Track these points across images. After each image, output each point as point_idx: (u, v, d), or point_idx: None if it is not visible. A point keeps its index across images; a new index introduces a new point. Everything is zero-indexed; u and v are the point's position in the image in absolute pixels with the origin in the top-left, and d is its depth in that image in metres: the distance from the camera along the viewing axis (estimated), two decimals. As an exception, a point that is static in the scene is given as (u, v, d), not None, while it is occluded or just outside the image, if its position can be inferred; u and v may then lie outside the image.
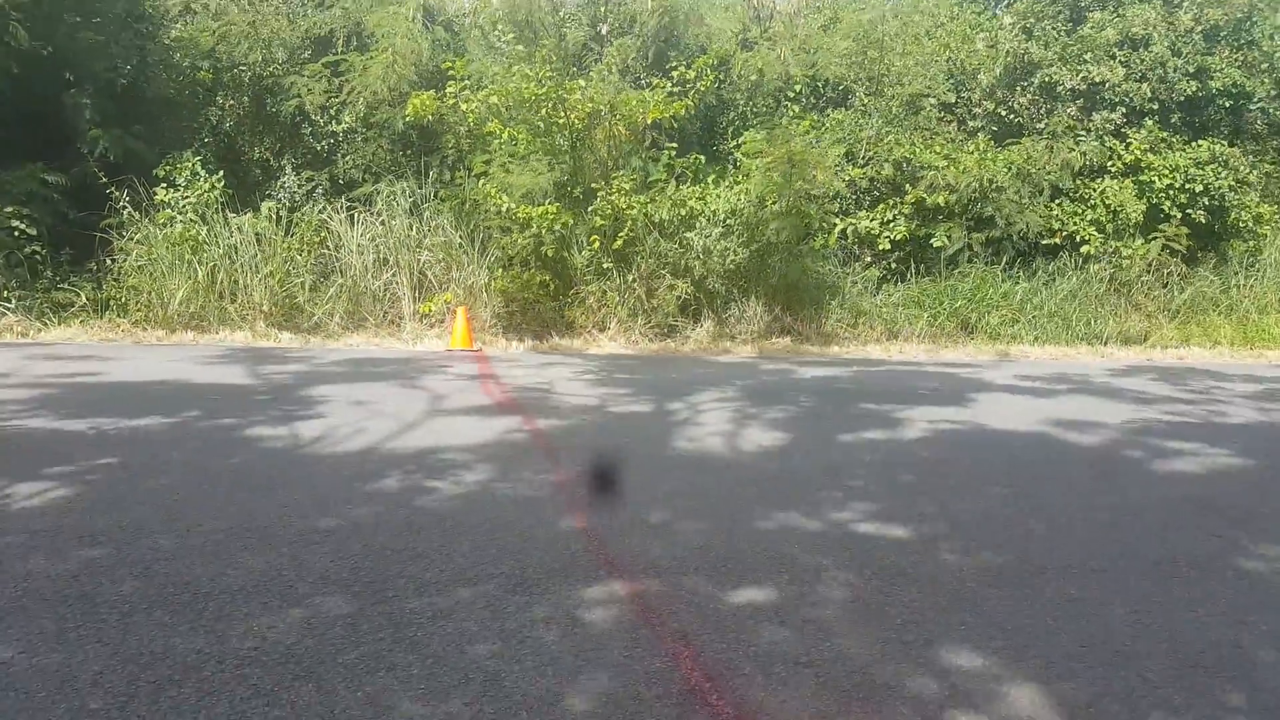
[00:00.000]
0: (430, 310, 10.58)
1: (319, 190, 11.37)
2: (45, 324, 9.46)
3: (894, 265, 12.22)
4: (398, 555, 3.26)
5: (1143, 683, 2.53)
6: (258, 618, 2.70)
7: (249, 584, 2.95)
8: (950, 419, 6.37)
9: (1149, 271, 12.47)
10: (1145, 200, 12.48)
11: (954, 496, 4.42)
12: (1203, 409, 7.27)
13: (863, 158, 12.28)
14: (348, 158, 11.67)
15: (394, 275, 10.72)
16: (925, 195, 11.83)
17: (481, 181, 10.73)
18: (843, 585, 3.16)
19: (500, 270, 10.64)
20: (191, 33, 11.65)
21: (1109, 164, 12.74)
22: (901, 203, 11.98)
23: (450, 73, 10.55)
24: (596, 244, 10.57)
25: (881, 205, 12.11)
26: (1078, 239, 12.46)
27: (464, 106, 10.42)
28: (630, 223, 10.50)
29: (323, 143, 11.83)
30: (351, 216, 10.78)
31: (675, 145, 11.44)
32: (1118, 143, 12.87)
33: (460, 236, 10.83)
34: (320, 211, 10.86)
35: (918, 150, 12.27)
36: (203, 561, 3.14)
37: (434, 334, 10.41)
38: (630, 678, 2.41)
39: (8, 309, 9.52)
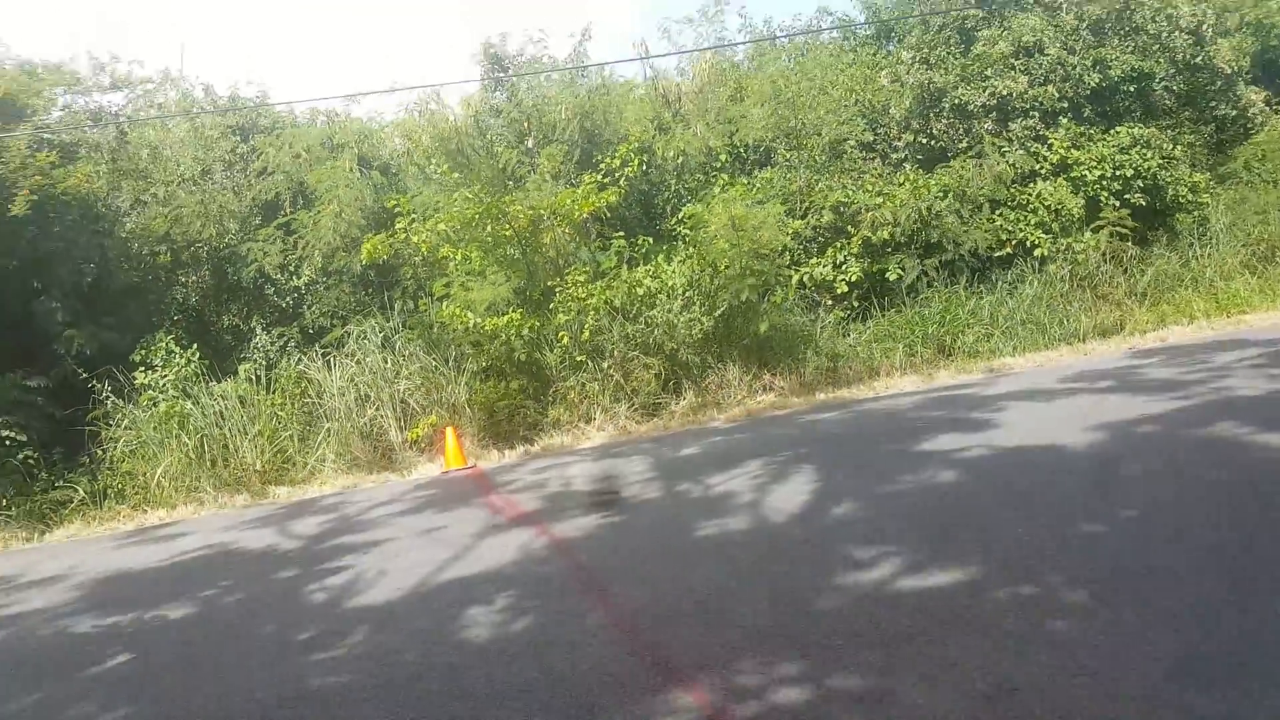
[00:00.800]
0: (418, 435, 10.80)
1: (291, 343, 11.70)
2: (48, 525, 9.58)
3: (856, 304, 12.62)
4: (447, 696, 3.38)
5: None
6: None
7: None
8: (974, 443, 6.49)
9: (1105, 261, 12.92)
10: (1082, 195, 13.03)
11: (1008, 525, 4.47)
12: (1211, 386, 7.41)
13: (800, 209, 12.80)
14: (313, 308, 12.07)
15: (377, 410, 10.96)
16: (870, 233, 12.32)
17: (444, 303, 11.11)
18: (908, 641, 3.21)
19: (478, 384, 10.92)
20: (145, 221, 12.12)
21: (1038, 167, 13.32)
22: (848, 244, 12.45)
23: (396, 210, 11.04)
24: (565, 339, 10.91)
25: (830, 249, 12.58)
26: (1028, 244, 12.94)
27: (415, 239, 10.87)
28: (593, 312, 10.87)
29: (287, 299, 12.24)
30: (327, 362, 11.09)
31: (621, 233, 11.92)
32: (1040, 146, 13.49)
33: (434, 359, 11.13)
34: (297, 363, 11.17)
35: (850, 192, 12.81)
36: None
37: (425, 458, 10.60)
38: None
39: (10, 517, 9.66)
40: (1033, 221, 13.11)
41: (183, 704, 3.67)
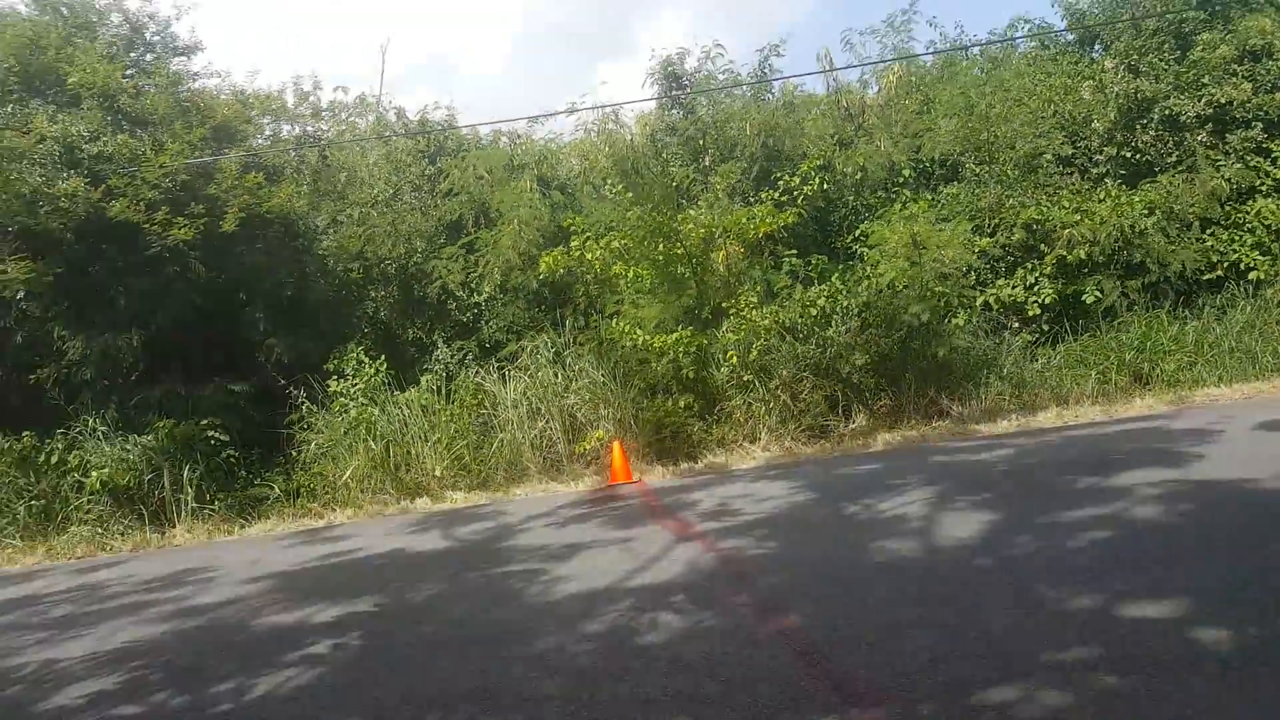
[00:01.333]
0: (585, 449, 10.90)
1: (470, 356, 12.15)
2: (246, 520, 10.26)
3: (1046, 328, 11.80)
4: (618, 702, 3.32)
5: None
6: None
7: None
8: (1172, 478, 5.99)
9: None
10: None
11: (1203, 563, 4.12)
12: None
13: (989, 227, 12.12)
14: (490, 323, 12.50)
15: (547, 422, 11.17)
16: (1065, 252, 11.51)
17: (615, 320, 11.21)
18: (1099, 685, 2.99)
19: (645, 400, 10.94)
20: (340, 240, 12.93)
21: (1259, 183, 12.08)
22: (1040, 264, 11.67)
23: (572, 229, 11.28)
24: (734, 359, 10.77)
25: (1021, 270, 11.83)
26: (1242, 266, 11.73)
27: (589, 256, 11.04)
28: (764, 333, 10.67)
29: (467, 314, 12.76)
30: (502, 375, 11.42)
31: (794, 251, 11.66)
32: (1263, 160, 12.22)
33: (602, 375, 11.24)
34: (474, 375, 11.56)
35: (1044, 209, 12.02)
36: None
37: (591, 471, 10.69)
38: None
39: (213, 510, 10.42)
40: (1249, 242, 11.87)
41: (372, 692, 3.74)
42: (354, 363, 11.62)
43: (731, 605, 4.38)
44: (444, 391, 11.32)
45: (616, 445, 10.08)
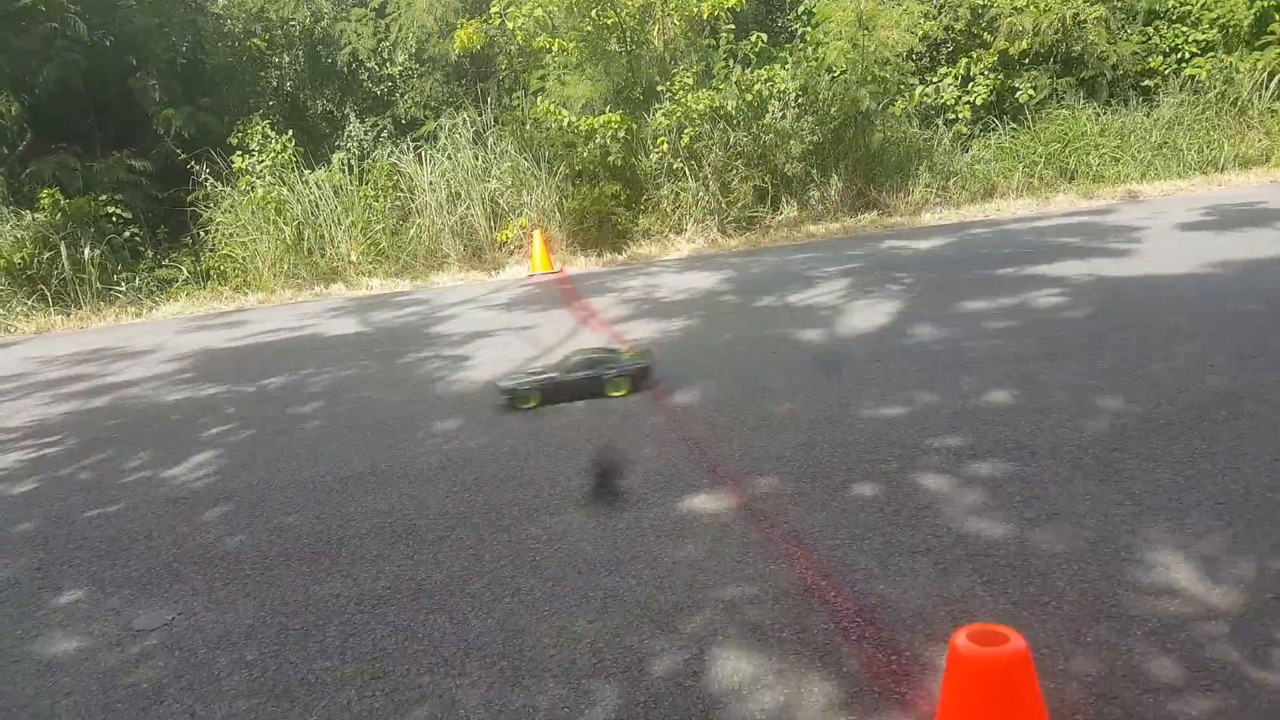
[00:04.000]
0: (507, 238, 10.62)
1: (384, 134, 11.43)
2: (155, 301, 9.90)
3: (981, 116, 11.53)
4: (508, 484, 3.34)
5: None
6: (387, 558, 2.82)
7: (375, 526, 3.08)
8: (1073, 273, 6.08)
9: (1266, 86, 11.38)
10: (1255, 7, 11.31)
11: (1086, 356, 4.21)
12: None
13: (936, 7, 11.47)
14: (406, 97, 11.67)
15: (468, 208, 10.76)
16: (1006, 43, 11.03)
17: (539, 99, 10.55)
18: (956, 465, 3.07)
19: (569, 187, 10.55)
20: (238, -2, 11.68)
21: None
22: (981, 58, 11.19)
23: (492, -8, 10.31)
24: (664, 145, 10.33)
25: (964, 59, 11.35)
26: (1182, 59, 11.44)
27: (510, 25, 10.19)
28: (697, 118, 10.19)
29: (381, 86, 11.84)
30: (419, 156, 10.82)
31: (733, 28, 10.93)
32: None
33: (526, 159, 10.74)
34: (389, 155, 10.93)
35: (993, -8, 11.38)
36: (330, 509, 3.28)
37: (514, 261, 10.47)
38: (746, 583, 2.42)
39: (120, 293, 10.01)
40: (1192, 39, 11.52)
41: (259, 474, 3.70)
42: (259, 137, 10.85)
43: (629, 396, 4.38)
44: (358, 172, 10.73)
45: (538, 234, 9.80)
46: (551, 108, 10.25)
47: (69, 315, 9.68)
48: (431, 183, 10.61)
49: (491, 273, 10.11)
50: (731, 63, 10.68)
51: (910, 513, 2.73)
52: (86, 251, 10.07)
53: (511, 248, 10.70)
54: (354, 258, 10.29)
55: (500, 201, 10.78)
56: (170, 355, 6.83)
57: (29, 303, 9.89)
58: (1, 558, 3.18)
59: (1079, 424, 3.33)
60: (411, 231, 10.49)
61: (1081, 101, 11.37)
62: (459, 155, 10.77)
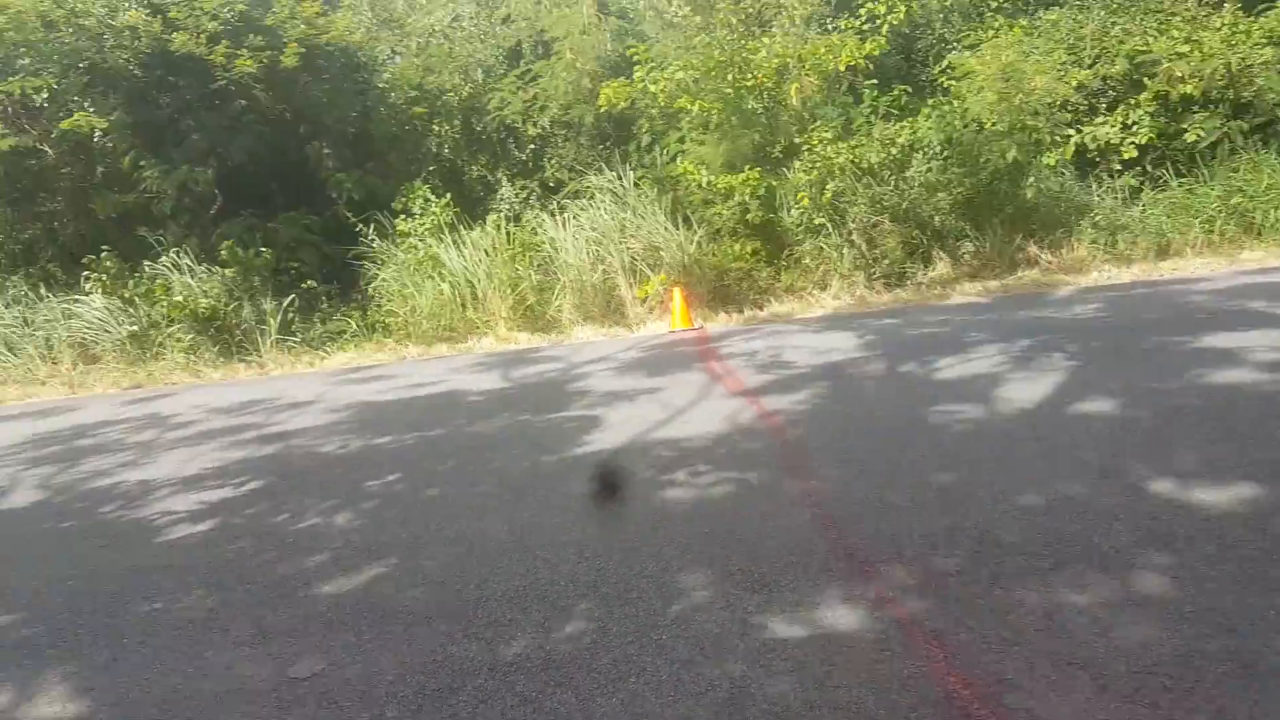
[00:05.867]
0: (646, 294, 10.83)
1: (533, 196, 11.97)
2: (327, 351, 10.66)
3: (1148, 169, 10.87)
4: (638, 554, 3.38)
5: None
6: (519, 624, 2.91)
7: (510, 590, 3.18)
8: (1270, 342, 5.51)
9: None
10: None
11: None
12: None
13: (1088, 58, 10.99)
14: (551, 160, 12.20)
15: (609, 265, 11.06)
16: (1167, 88, 10.40)
17: (678, 159, 10.80)
18: (1121, 565, 2.87)
19: (709, 244, 10.69)
20: (401, 70, 12.59)
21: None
22: (1140, 103, 10.60)
23: (635, 58, 10.68)
24: (805, 200, 10.32)
25: (1122, 107, 10.79)
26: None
27: (653, 88, 10.51)
28: (839, 171, 10.15)
29: (527, 150, 12.45)
30: (563, 216, 11.26)
31: (874, 82, 10.86)
32: None
33: (665, 217, 10.98)
34: (536, 216, 11.44)
35: (1151, 39, 10.78)
36: (470, 569, 3.42)
37: (653, 316, 10.65)
38: (881, 688, 2.34)
39: (295, 342, 10.85)
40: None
41: (411, 528, 3.91)
42: (420, 201, 11.60)
43: (761, 460, 4.35)
44: (508, 231, 11.26)
45: (678, 292, 9.94)
46: (690, 167, 10.48)
47: (249, 363, 10.54)
48: (575, 242, 10.99)
49: (632, 328, 10.32)
50: (873, 117, 10.60)
51: (1066, 618, 2.57)
52: (267, 304, 10.97)
53: (651, 304, 10.90)
54: (502, 313, 10.76)
55: (640, 259, 11.03)
56: (331, 406, 7.31)
57: (215, 350, 10.85)
58: (179, 597, 3.47)
59: (1270, 522, 3.01)
60: (556, 288, 10.87)
61: (1260, 150, 10.53)
62: (600, 214, 11.13)
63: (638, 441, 4.97)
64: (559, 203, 11.55)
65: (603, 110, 11.19)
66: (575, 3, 11.72)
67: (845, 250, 10.45)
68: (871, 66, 10.76)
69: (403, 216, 11.58)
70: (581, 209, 11.24)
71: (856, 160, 10.17)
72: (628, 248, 10.93)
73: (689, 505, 3.86)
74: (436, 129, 12.91)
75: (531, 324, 10.74)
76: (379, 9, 13.03)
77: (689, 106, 10.60)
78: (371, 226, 11.44)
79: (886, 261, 10.38)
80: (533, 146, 12.46)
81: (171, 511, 4.63)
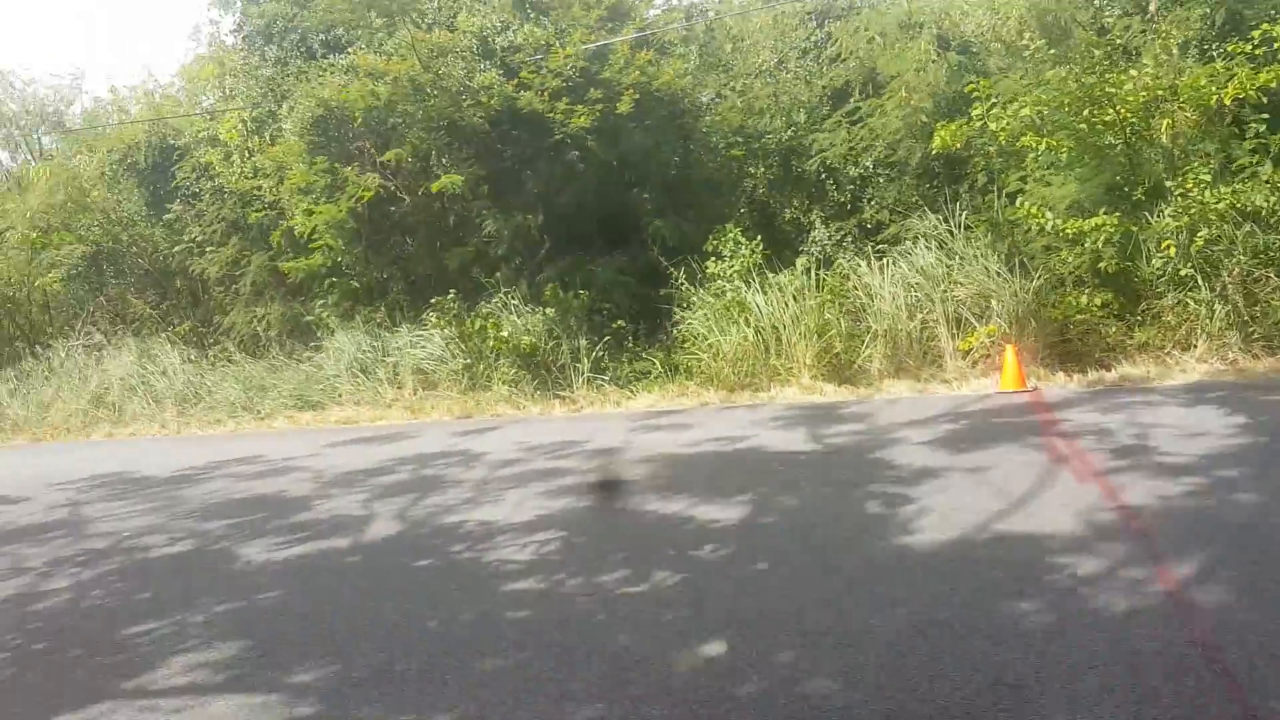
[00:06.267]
0: (970, 346, 10.06)
1: (848, 238, 11.67)
2: (632, 392, 11.07)
3: None
4: (984, 665, 2.96)
5: None
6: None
7: (847, 703, 2.93)
8: None
9: None
10: None
11: None
12: None
13: None
14: (872, 201, 11.81)
15: (928, 313, 10.43)
16: None
17: (1018, 200, 9.95)
18: None
19: (1049, 294, 9.71)
20: (722, 114, 12.87)
21: None
22: None
23: (974, 94, 10.03)
24: (1171, 249, 9.05)
25: None
26: None
27: (993, 126, 9.79)
28: (1217, 218, 8.79)
29: (846, 192, 12.18)
30: (881, 260, 10.81)
31: (1265, 117, 9.30)
32: None
33: (997, 264, 10.15)
34: (851, 260, 11.10)
35: None
36: (804, 662, 3.20)
37: (976, 372, 9.87)
38: None
39: (604, 381, 11.39)
40: None
41: (728, 606, 3.80)
42: (731, 244, 11.76)
43: (1133, 583, 3.64)
44: (817, 275, 11.01)
45: (1010, 348, 9.12)
46: (1033, 209, 9.62)
47: (564, 399, 11.22)
48: (892, 288, 10.49)
49: (951, 384, 9.64)
50: (1264, 158, 9.07)
51: None
52: (581, 342, 11.63)
53: (975, 357, 10.13)
54: (806, 361, 10.51)
55: (965, 308, 10.28)
56: (638, 454, 7.47)
57: (534, 384, 11.68)
58: (530, 657, 3.47)
59: None
60: (867, 337, 10.43)
61: None
62: (923, 259, 10.54)
63: (973, 535, 4.46)
64: (875, 246, 11.13)
65: (935, 152, 10.62)
66: (913, 39, 11.26)
67: (1216, 306, 9.07)
68: (1265, 99, 9.21)
69: (713, 259, 11.78)
70: (902, 253, 10.73)
71: (1239, 205, 8.75)
72: (952, 295, 10.24)
73: (1041, 630, 3.31)
74: (753, 171, 13.04)
75: (837, 374, 10.42)
76: (705, 54, 13.43)
77: (1034, 145, 9.73)
78: (682, 270, 11.74)
79: (1270, 322, 8.85)
80: (852, 187, 12.20)
81: (513, 561, 4.79)
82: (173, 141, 15.41)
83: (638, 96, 11.91)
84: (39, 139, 18.65)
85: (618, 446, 7.90)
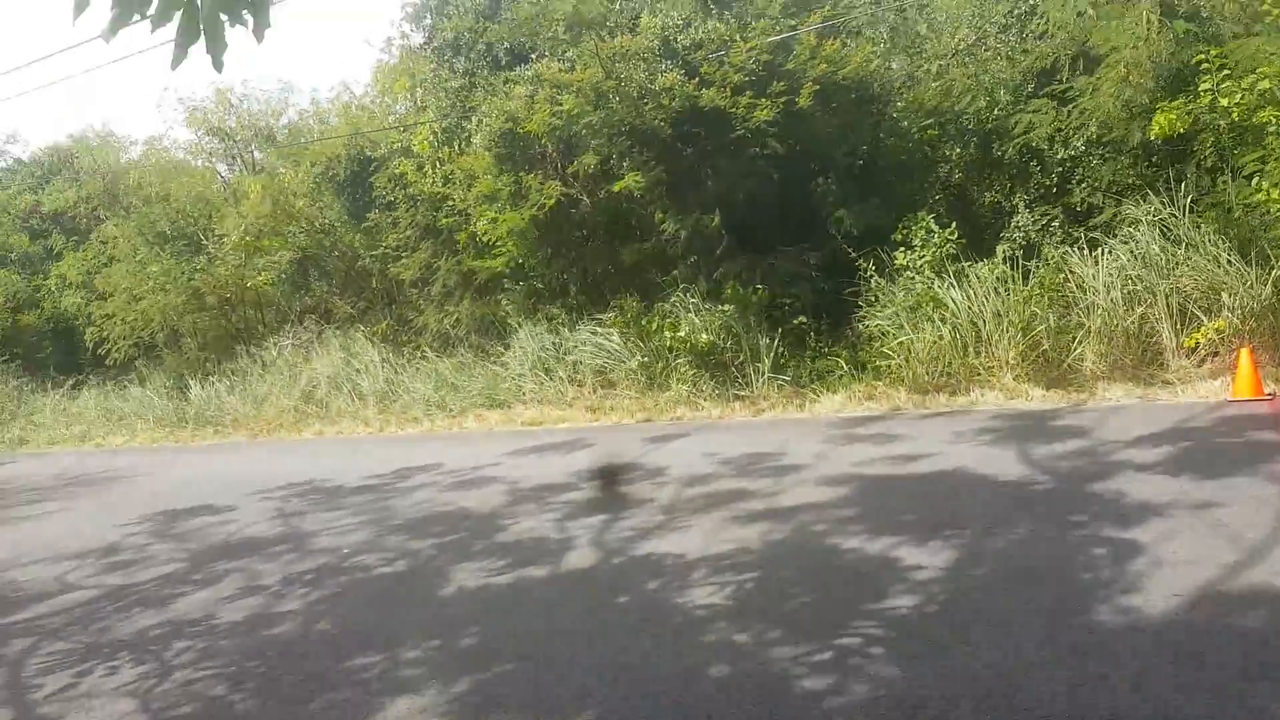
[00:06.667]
0: (1197, 343, 9.26)
1: (1054, 224, 11.01)
2: (816, 394, 10.89)
3: None
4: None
5: None
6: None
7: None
8: None
9: None
10: None
11: None
12: None
13: None
14: (1082, 184, 11.07)
15: (1148, 307, 9.68)
16: None
17: (1255, 182, 9.04)
18: None
19: (1295, 286, 8.81)
20: (915, 97, 12.38)
21: None
22: None
23: (1203, 66, 9.16)
24: None
25: None
26: None
27: (1224, 101, 8.92)
28: None
29: (1052, 175, 11.52)
30: (1092, 247, 10.11)
31: None
32: None
33: (1228, 252, 9.28)
34: (1058, 247, 10.46)
35: None
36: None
37: (1202, 374, 9.13)
38: None
39: (785, 380, 11.23)
40: None
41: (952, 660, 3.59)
42: (922, 233, 11.36)
43: None
44: (1019, 265, 10.42)
45: (1244, 350, 8.32)
46: (1274, 192, 8.69)
47: (744, 400, 11.15)
48: (1106, 279, 9.80)
49: (1175, 387, 8.91)
50: None
51: None
52: (761, 340, 11.50)
53: (1202, 354, 9.33)
54: (1009, 360, 9.99)
55: (1190, 303, 9.47)
56: (832, 474, 7.04)
57: (713, 384, 11.68)
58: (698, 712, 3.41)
59: None
60: (1078, 333, 9.80)
61: None
62: (1141, 247, 9.77)
63: (1215, 597, 3.88)
64: (1086, 232, 10.40)
65: (1156, 135, 9.80)
66: (1132, 9, 10.38)
67: None
68: None
69: (902, 250, 11.39)
70: (1117, 240, 9.99)
71: None
72: (1176, 287, 9.45)
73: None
74: (948, 153, 12.48)
75: (1044, 375, 9.84)
76: (897, 35, 12.95)
77: (1275, 119, 8.80)
78: (870, 262, 11.41)
79: None
80: (1060, 169, 11.48)
81: (709, 605, 4.51)
82: (369, 154, 16.51)
83: (818, 87, 11.67)
84: (252, 152, 20.46)
85: (808, 463, 7.53)
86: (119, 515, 8.75)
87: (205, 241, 18.91)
